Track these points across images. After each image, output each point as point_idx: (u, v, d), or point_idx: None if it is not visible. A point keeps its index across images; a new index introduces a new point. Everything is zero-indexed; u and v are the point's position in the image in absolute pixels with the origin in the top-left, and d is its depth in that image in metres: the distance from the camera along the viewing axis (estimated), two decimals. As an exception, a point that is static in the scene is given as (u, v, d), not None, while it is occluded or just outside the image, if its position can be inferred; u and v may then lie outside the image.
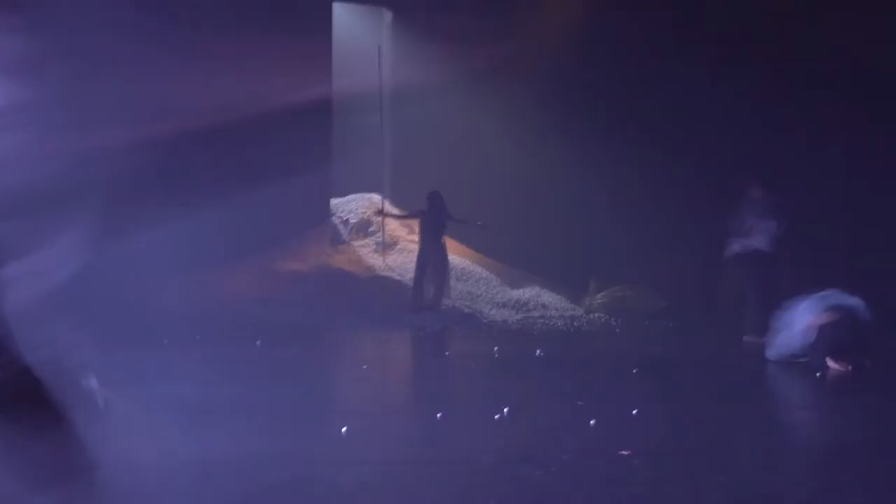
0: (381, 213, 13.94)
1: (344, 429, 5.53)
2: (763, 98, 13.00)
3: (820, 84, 12.68)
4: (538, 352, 9.36)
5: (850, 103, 12.78)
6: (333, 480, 4.62)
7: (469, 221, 12.85)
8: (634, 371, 8.07)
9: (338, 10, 14.65)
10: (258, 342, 9.56)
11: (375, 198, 14.84)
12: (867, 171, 12.31)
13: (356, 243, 14.64)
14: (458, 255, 14.32)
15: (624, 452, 5.08)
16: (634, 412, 6.03)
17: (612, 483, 4.58)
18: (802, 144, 12.51)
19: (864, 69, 12.49)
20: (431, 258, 12.73)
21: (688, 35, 13.17)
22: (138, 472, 4.62)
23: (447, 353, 10.06)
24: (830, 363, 7.99)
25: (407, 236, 14.74)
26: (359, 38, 15.24)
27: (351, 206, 15.05)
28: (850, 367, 7.94)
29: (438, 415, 6.01)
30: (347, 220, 14.86)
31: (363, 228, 14.90)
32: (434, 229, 12.70)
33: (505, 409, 6.07)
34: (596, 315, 13.47)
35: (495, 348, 9.56)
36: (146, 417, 6.03)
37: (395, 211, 14.24)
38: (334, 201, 14.74)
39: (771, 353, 8.53)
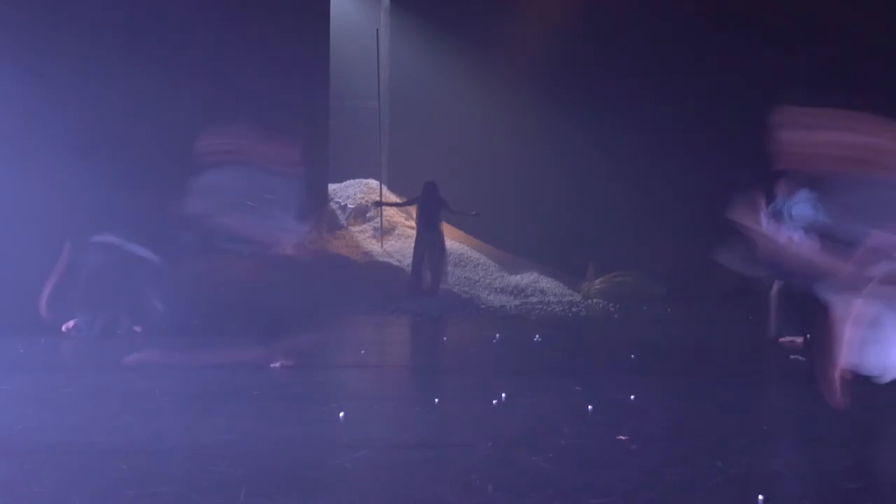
0: (378, 203, 13.91)
1: (342, 414, 5.52)
2: (773, 85, 12.87)
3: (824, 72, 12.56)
4: (536, 337, 9.35)
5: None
6: (331, 465, 4.60)
7: (464, 213, 12.82)
8: (632, 357, 8.06)
9: (335, -6, 14.62)
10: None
11: (373, 183, 14.81)
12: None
13: (354, 229, 14.62)
14: (456, 241, 14.29)
15: (621, 437, 5.07)
16: (632, 397, 6.02)
17: (610, 468, 4.57)
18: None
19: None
20: (429, 244, 12.71)
21: (688, 24, 13.11)
22: (133, 457, 4.61)
23: (445, 339, 10.04)
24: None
25: (405, 222, 14.71)
26: (356, 23, 15.20)
27: (349, 191, 15.02)
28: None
29: (436, 399, 6.00)
30: (345, 205, 14.83)
31: (361, 214, 14.88)
32: (430, 217, 12.70)
33: (503, 395, 6.06)
34: (594, 301, 13.47)
35: (497, 335, 9.52)
36: (141, 401, 6.01)
37: (393, 199, 14.22)
38: (332, 187, 14.71)
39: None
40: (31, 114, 10.08)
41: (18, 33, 10.21)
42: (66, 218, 9.85)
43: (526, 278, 14.01)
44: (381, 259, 13.83)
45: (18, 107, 10.01)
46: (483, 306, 12.60)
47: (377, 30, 14.63)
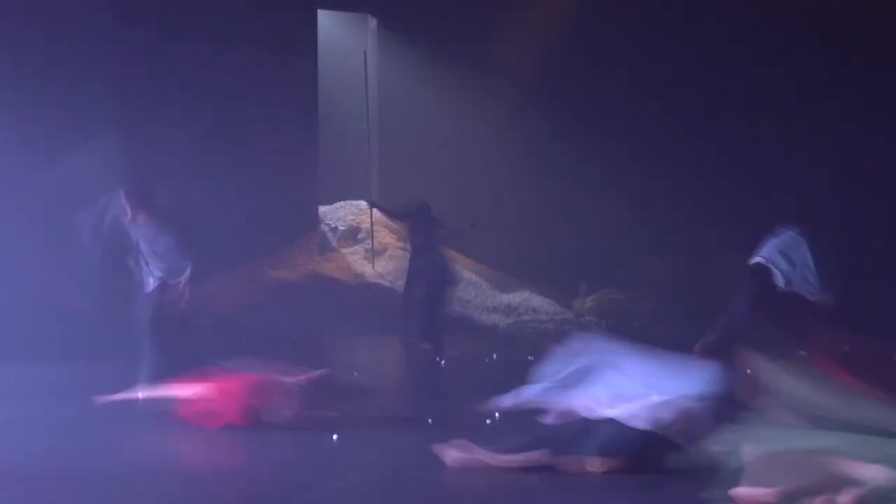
0: (372, 204, 13.79)
1: (335, 436, 5.50)
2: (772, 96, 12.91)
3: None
4: (529, 357, 9.33)
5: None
6: (325, 487, 4.59)
7: (460, 228, 12.77)
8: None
9: (322, 17, 14.63)
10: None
11: (363, 205, 14.80)
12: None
13: (345, 250, 14.59)
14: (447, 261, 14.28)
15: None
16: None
17: (608, 488, 4.56)
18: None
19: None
20: (423, 266, 12.66)
21: (686, 34, 13.14)
22: (125, 481, 4.58)
23: (437, 359, 10.02)
24: None
25: (396, 243, 14.71)
26: (344, 45, 15.23)
27: (339, 213, 15.01)
28: None
29: (429, 420, 5.99)
30: (336, 227, 14.81)
31: (352, 235, 14.86)
32: (423, 240, 12.66)
33: (496, 414, 6.05)
34: (587, 318, 13.46)
35: (494, 355, 9.45)
36: (133, 425, 5.98)
37: (384, 220, 14.14)
38: (322, 209, 14.70)
39: None
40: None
41: None
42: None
43: (518, 297, 14.00)
44: (372, 281, 13.81)
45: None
46: (475, 326, 12.58)
47: (365, 51, 14.66)
